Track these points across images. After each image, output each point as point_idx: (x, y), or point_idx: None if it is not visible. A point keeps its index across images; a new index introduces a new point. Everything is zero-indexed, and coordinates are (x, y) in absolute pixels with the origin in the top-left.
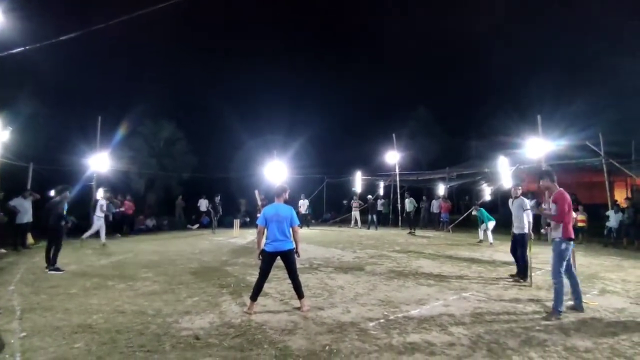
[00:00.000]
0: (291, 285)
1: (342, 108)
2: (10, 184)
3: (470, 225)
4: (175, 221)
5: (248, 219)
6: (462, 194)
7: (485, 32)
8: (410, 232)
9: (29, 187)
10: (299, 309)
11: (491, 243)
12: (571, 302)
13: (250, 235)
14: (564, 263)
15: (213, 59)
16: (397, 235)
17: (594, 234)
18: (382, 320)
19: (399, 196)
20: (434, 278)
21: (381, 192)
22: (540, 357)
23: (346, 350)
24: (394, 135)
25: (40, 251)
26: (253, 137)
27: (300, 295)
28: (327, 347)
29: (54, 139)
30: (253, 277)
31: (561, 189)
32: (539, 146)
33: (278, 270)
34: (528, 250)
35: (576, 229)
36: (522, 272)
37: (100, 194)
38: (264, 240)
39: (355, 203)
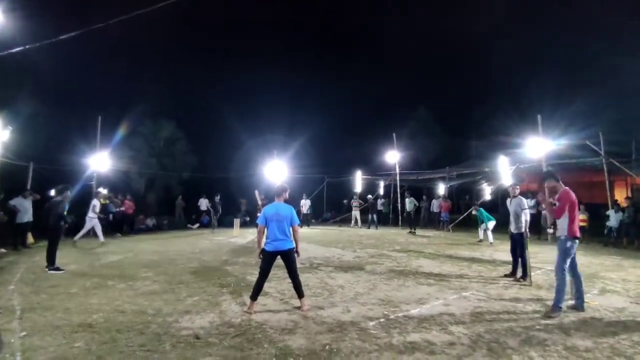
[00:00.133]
0: (291, 285)
1: (342, 108)
2: (11, 184)
3: (471, 224)
4: (175, 221)
5: (248, 219)
6: (462, 193)
7: (485, 32)
8: (410, 232)
9: (29, 186)
10: (299, 308)
11: (491, 243)
12: (572, 302)
13: (250, 234)
14: (568, 261)
15: (213, 59)
16: (397, 234)
17: (594, 233)
18: (382, 320)
19: (399, 196)
20: (434, 277)
21: (381, 191)
22: (541, 357)
23: (346, 350)
24: (394, 134)
25: (40, 250)
26: (253, 136)
27: (300, 294)
28: (327, 347)
29: (54, 138)
30: (253, 277)
31: (566, 187)
32: (539, 146)
33: (278, 269)
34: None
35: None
36: (523, 271)
37: (100, 193)
38: (264, 240)
39: (355, 202)
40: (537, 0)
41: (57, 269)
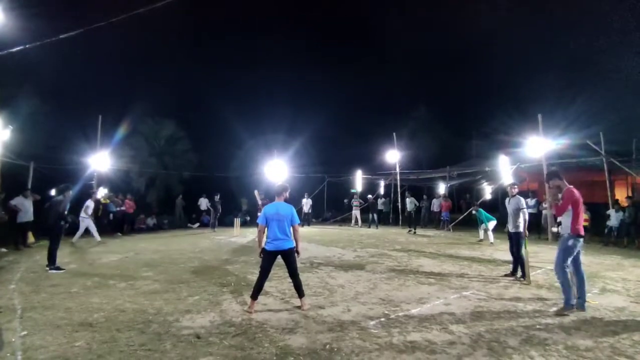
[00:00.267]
0: (292, 284)
1: (343, 107)
2: (11, 183)
3: (471, 224)
4: (175, 220)
5: (248, 218)
6: (463, 192)
7: (486, 31)
8: (409, 231)
9: (29, 186)
10: (299, 307)
11: (492, 242)
12: (572, 301)
13: (251, 234)
14: (569, 259)
15: (214, 58)
16: (398, 234)
17: (595, 232)
18: (382, 319)
19: (399, 195)
20: (435, 277)
21: (382, 191)
22: (541, 356)
23: (347, 349)
24: (394, 134)
25: (41, 250)
26: (254, 136)
27: (300, 294)
28: (327, 346)
29: (54, 137)
30: (253, 276)
31: (570, 186)
32: (540, 145)
33: (279, 269)
34: (524, 248)
35: None
36: (521, 270)
37: (100, 193)
38: (264, 239)
39: (355, 202)
40: None
41: (58, 268)
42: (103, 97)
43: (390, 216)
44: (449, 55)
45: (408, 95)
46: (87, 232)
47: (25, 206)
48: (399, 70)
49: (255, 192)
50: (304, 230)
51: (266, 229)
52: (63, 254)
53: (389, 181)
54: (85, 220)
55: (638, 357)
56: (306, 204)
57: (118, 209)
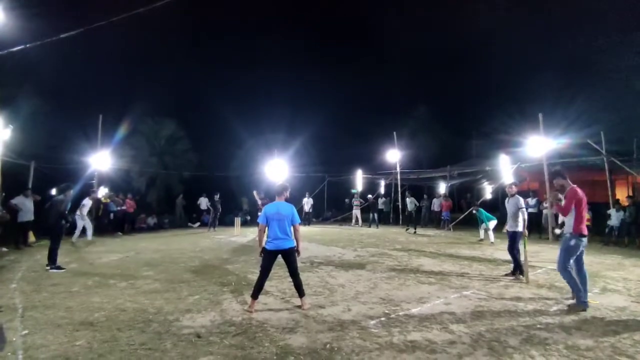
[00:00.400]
0: (292, 284)
1: (343, 106)
2: (12, 183)
3: (472, 223)
4: (176, 219)
5: (249, 218)
6: (464, 192)
7: (485, 30)
8: (407, 230)
9: (30, 185)
10: (299, 307)
11: (492, 242)
12: (572, 301)
13: (251, 233)
14: (572, 259)
15: (213, 58)
16: (398, 233)
17: (595, 232)
18: (382, 319)
19: (399, 195)
20: (435, 276)
21: (382, 190)
22: (542, 356)
23: (347, 349)
24: (394, 133)
25: (42, 249)
26: (254, 135)
27: (301, 293)
28: (328, 345)
29: (55, 137)
30: (254, 276)
31: (574, 186)
32: (540, 144)
33: (279, 268)
34: (522, 247)
35: None
36: (519, 268)
37: (101, 192)
38: (264, 239)
39: (356, 201)
40: None
41: (59, 267)
42: (103, 96)
43: (391, 216)
44: (448, 54)
45: (408, 95)
46: (83, 231)
47: (26, 205)
48: (398, 70)
49: (254, 192)
50: (304, 230)
51: (267, 228)
52: (63, 254)
53: (389, 181)
54: (80, 220)
55: (639, 357)
56: (307, 203)
57: (119, 208)
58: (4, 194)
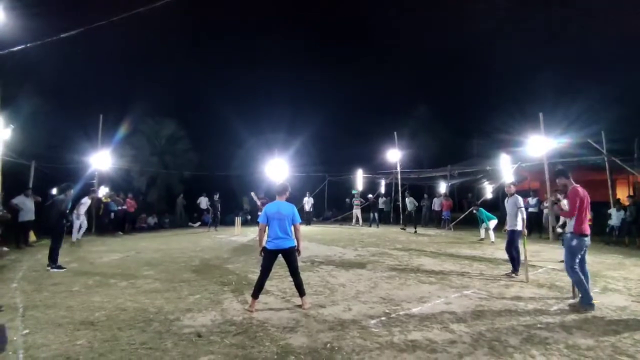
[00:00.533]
0: (292, 283)
1: (343, 106)
2: (12, 182)
3: (472, 223)
4: (176, 219)
5: (249, 217)
6: (464, 192)
7: (487, 29)
8: (402, 229)
9: (30, 185)
10: (300, 306)
11: (492, 241)
12: (573, 300)
13: (252, 233)
14: (577, 259)
15: (213, 58)
16: (399, 233)
17: (596, 232)
18: (383, 318)
19: (400, 194)
20: (435, 276)
21: (382, 190)
22: (542, 355)
23: (347, 348)
24: (395, 133)
25: (42, 249)
26: (254, 135)
27: (301, 292)
28: (328, 345)
29: (55, 137)
30: (254, 275)
31: (575, 185)
32: (541, 144)
33: (279, 268)
34: (521, 246)
35: None
36: (516, 266)
37: (101, 192)
38: (265, 238)
39: (356, 201)
40: None
41: (59, 267)
42: (104, 96)
43: (391, 215)
44: (448, 54)
45: (408, 95)
46: (86, 231)
47: (26, 205)
48: (399, 70)
49: (252, 193)
50: (305, 229)
51: (267, 227)
52: (64, 253)
53: (389, 180)
54: (79, 219)
55: (639, 356)
56: (307, 202)
57: (119, 208)
58: (3, 193)
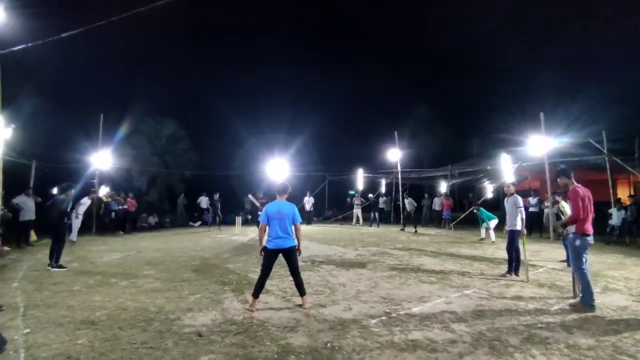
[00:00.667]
0: (293, 283)
1: (343, 106)
2: (13, 182)
3: (472, 222)
4: (177, 219)
5: (250, 217)
6: (464, 191)
7: (487, 29)
8: (402, 229)
9: (31, 184)
10: (300, 306)
11: (493, 241)
12: (574, 300)
13: (252, 232)
14: (582, 258)
15: (213, 58)
16: (399, 232)
17: (597, 231)
18: (383, 318)
19: (401, 194)
20: (436, 275)
21: (383, 189)
22: (543, 355)
23: (348, 347)
24: (395, 132)
25: (43, 248)
26: (254, 134)
27: (302, 292)
28: (328, 344)
29: (56, 136)
30: (255, 274)
31: (575, 185)
32: (542, 144)
33: (280, 267)
34: (521, 245)
35: None
36: (516, 267)
37: (102, 191)
38: (265, 237)
39: (357, 200)
40: None
41: (60, 266)
42: (104, 96)
43: (392, 215)
44: (449, 54)
45: (408, 95)
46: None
47: (27, 205)
48: (399, 70)
49: (249, 196)
50: (305, 229)
51: (268, 227)
52: (64, 253)
53: (390, 180)
54: (74, 218)
55: None
56: (308, 202)
57: (120, 207)
58: (3, 192)
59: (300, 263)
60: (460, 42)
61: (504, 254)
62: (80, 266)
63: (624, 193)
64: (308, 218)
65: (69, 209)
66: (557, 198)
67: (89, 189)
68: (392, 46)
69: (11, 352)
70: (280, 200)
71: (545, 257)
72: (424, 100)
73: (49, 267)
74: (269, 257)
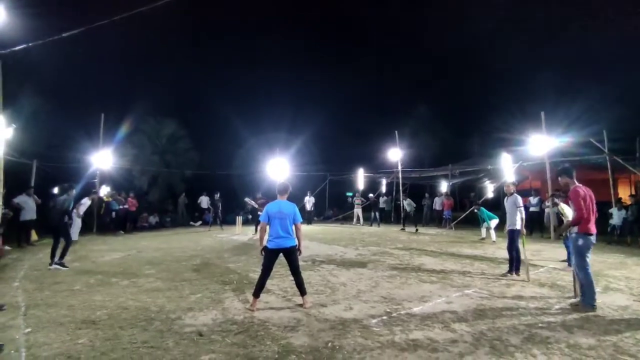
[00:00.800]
0: (293, 282)
1: (344, 106)
2: (14, 182)
3: (473, 222)
4: (178, 218)
5: (250, 217)
6: (465, 191)
7: (488, 29)
8: (402, 229)
9: (32, 184)
10: (301, 305)
11: (494, 241)
12: (574, 300)
13: (252, 232)
14: (585, 258)
15: (213, 58)
16: (399, 232)
17: (597, 231)
18: (384, 317)
19: (401, 193)
20: (437, 275)
21: (383, 189)
22: (543, 354)
23: (348, 347)
24: (396, 132)
25: (44, 248)
26: (255, 134)
27: (302, 292)
28: (329, 344)
29: (57, 136)
30: (255, 274)
31: (576, 185)
32: (543, 143)
33: (280, 267)
34: (521, 245)
35: None
36: (516, 266)
37: (103, 191)
38: (266, 237)
39: (357, 200)
40: None
41: (62, 264)
42: (105, 96)
43: (392, 215)
44: (449, 53)
45: (408, 95)
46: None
47: (28, 204)
48: (399, 70)
49: (247, 200)
50: (306, 229)
51: (268, 227)
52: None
53: (391, 179)
54: (76, 218)
55: None
56: (308, 202)
57: (121, 207)
58: (4, 192)
59: (300, 263)
60: (460, 42)
61: (504, 254)
62: (81, 265)
63: (625, 193)
64: (309, 218)
65: (70, 209)
66: (556, 200)
67: (89, 189)
68: (392, 46)
69: (12, 351)
70: (281, 200)
71: (546, 256)
72: (424, 100)
73: (50, 267)
74: (269, 256)
